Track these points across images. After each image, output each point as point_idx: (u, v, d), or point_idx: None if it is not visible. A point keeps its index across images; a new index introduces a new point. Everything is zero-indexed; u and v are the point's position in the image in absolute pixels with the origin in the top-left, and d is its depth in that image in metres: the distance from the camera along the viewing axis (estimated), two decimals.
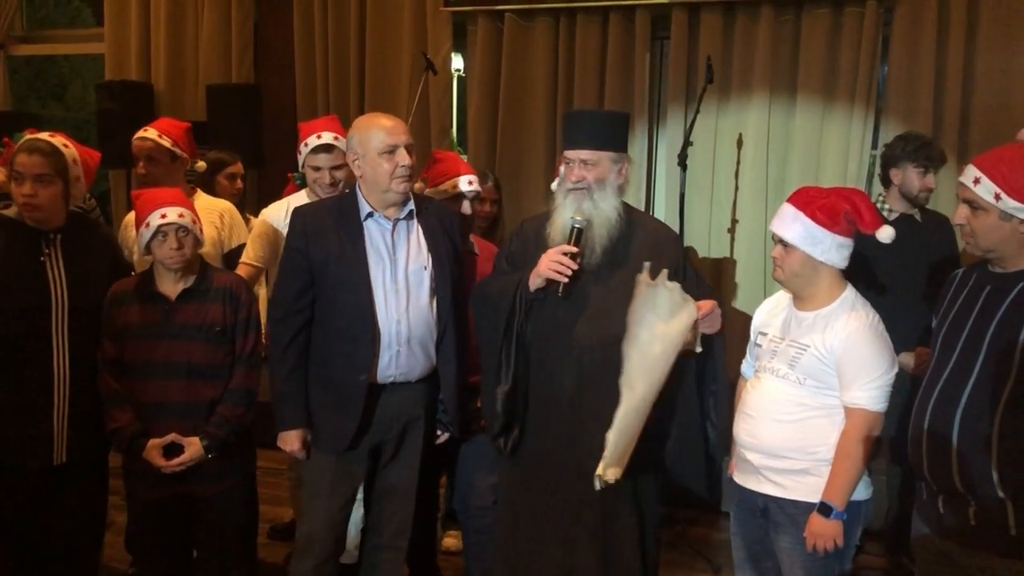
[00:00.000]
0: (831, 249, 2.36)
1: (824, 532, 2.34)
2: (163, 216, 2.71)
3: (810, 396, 2.39)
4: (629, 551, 2.62)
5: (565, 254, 2.47)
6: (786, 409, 2.41)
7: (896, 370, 2.39)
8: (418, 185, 3.23)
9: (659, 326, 2.38)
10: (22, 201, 2.73)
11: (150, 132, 3.55)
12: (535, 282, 2.53)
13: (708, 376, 2.58)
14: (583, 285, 2.55)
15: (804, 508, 2.38)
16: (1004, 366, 2.00)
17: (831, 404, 2.38)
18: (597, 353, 2.53)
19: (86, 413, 2.81)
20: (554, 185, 3.42)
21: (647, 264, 2.41)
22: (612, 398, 2.39)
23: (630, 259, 2.54)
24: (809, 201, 2.38)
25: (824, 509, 2.34)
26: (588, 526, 2.61)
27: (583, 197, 2.54)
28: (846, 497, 2.34)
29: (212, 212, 3.51)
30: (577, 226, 2.51)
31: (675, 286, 2.38)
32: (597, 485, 2.40)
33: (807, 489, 2.38)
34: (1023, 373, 1.98)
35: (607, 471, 2.38)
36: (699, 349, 2.44)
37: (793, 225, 2.37)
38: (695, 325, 2.39)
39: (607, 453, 2.38)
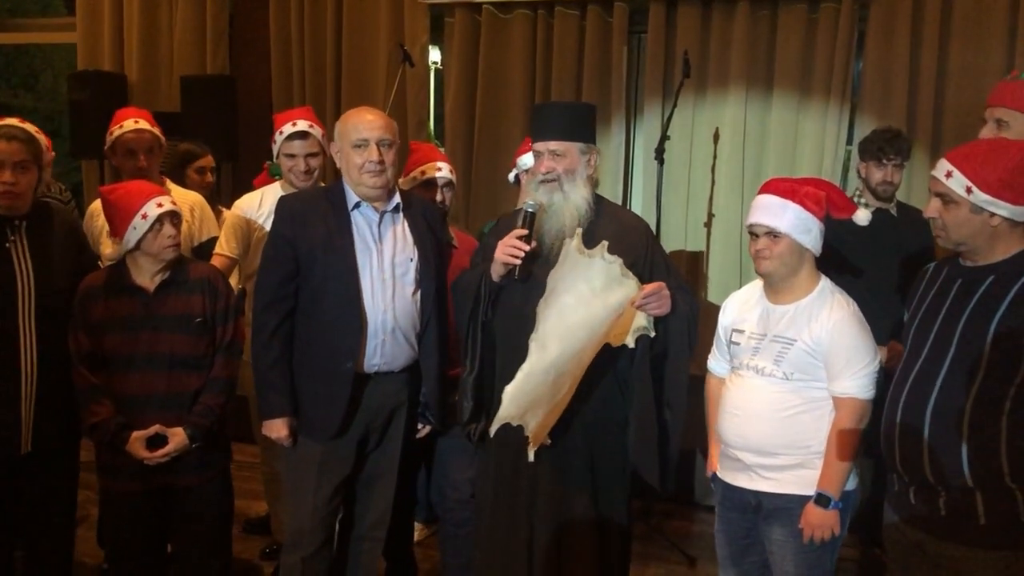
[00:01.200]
0: (818, 236, 2.41)
1: (822, 523, 2.36)
2: (159, 205, 2.72)
3: (796, 391, 2.40)
4: (586, 541, 2.60)
5: (519, 238, 2.50)
6: (774, 407, 2.42)
7: (879, 358, 2.41)
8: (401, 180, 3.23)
9: (588, 295, 2.39)
10: (2, 189, 2.68)
11: (143, 123, 3.50)
12: (496, 270, 2.56)
13: (668, 361, 2.57)
14: (545, 271, 2.56)
15: (798, 501, 2.40)
16: (974, 359, 2.02)
17: (817, 397, 2.40)
18: None
19: (54, 402, 2.77)
20: (510, 177, 3.44)
21: (579, 230, 2.45)
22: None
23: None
24: (792, 190, 2.40)
25: (822, 500, 2.35)
26: (544, 513, 2.61)
27: (554, 188, 2.56)
28: (841, 486, 2.37)
29: (183, 205, 3.47)
30: (529, 210, 2.53)
31: (616, 259, 2.39)
32: (530, 456, 2.42)
33: (802, 482, 2.40)
34: (993, 365, 2.00)
35: (497, 426, 2.46)
36: (652, 333, 2.44)
37: (784, 214, 2.38)
38: (641, 306, 2.39)
39: (501, 408, 2.43)
